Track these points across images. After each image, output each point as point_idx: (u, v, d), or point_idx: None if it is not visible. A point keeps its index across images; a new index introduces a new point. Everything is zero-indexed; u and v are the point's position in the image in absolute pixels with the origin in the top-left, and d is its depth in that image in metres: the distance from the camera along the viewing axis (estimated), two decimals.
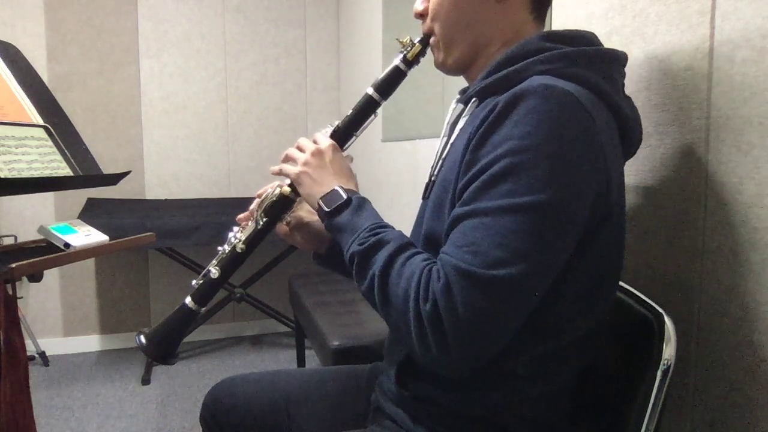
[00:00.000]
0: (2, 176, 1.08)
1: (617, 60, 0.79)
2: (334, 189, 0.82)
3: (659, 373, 0.74)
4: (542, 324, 0.71)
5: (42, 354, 2.87)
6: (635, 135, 0.81)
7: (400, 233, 0.75)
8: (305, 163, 0.87)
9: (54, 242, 1.20)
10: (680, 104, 0.91)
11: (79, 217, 2.40)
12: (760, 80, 0.77)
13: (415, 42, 0.89)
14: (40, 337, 2.94)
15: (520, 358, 0.72)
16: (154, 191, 3.15)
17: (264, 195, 0.97)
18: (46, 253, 1.17)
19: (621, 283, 0.90)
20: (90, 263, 3.05)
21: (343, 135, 0.93)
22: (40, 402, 2.41)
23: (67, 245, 1.20)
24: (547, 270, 0.65)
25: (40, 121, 1.30)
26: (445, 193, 0.74)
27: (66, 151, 1.30)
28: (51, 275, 3.00)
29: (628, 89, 1.03)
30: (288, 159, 0.91)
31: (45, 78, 2.24)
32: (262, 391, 1.02)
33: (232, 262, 0.97)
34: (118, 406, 2.40)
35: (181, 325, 0.99)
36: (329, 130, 0.94)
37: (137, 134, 3.11)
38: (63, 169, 1.26)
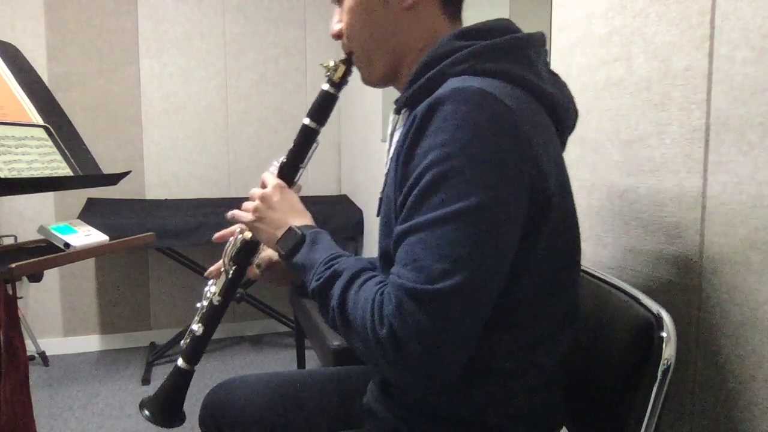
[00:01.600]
0: (2, 176, 1.08)
1: (533, 42, 0.77)
2: (288, 230, 0.84)
3: (659, 373, 0.74)
4: (509, 319, 0.71)
5: (42, 354, 2.87)
6: (567, 113, 0.80)
7: (355, 260, 0.76)
8: (255, 211, 0.89)
9: (54, 242, 1.20)
10: (680, 104, 0.91)
11: (79, 217, 2.40)
12: (760, 80, 0.77)
13: (339, 63, 0.90)
14: (40, 337, 2.94)
15: (494, 356, 0.72)
16: (154, 191, 3.15)
17: (227, 243, 0.99)
18: (46, 253, 1.17)
19: (621, 283, 0.90)
20: (90, 263, 3.05)
21: (289, 170, 0.95)
22: (40, 402, 2.41)
23: (67, 245, 1.20)
24: (493, 271, 0.65)
25: (40, 121, 1.30)
26: (390, 211, 0.74)
27: (66, 151, 1.30)
28: (51, 275, 3.00)
29: (629, 89, 1.03)
30: (243, 209, 0.93)
31: (45, 78, 2.23)
32: (260, 393, 1.02)
33: (213, 316, 0.99)
34: (118, 406, 2.40)
35: (180, 387, 1.00)
36: (276, 166, 0.96)
37: (137, 134, 3.11)
38: (63, 169, 1.26)
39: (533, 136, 0.68)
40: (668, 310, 0.78)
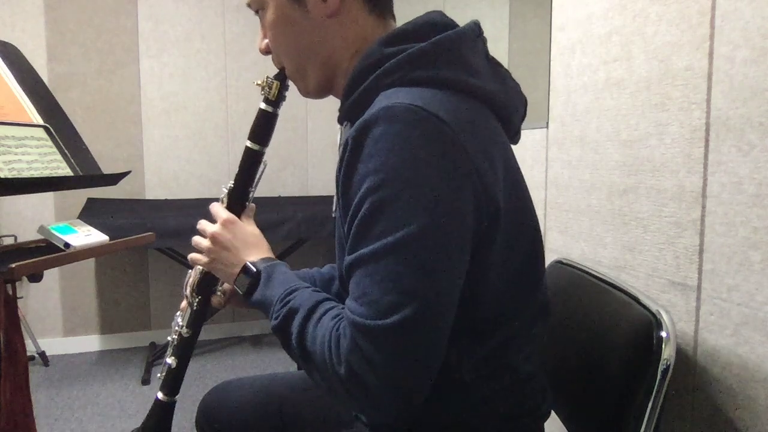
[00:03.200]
0: (2, 176, 1.08)
1: (464, 37, 0.72)
2: (243, 267, 0.82)
3: (659, 373, 0.74)
4: (473, 329, 0.70)
5: (42, 354, 2.87)
6: (510, 105, 0.77)
7: (310, 293, 0.74)
8: (208, 251, 0.87)
9: (54, 242, 1.20)
10: (680, 104, 0.91)
11: (79, 217, 2.40)
12: (760, 80, 0.77)
13: (272, 80, 0.87)
14: (40, 337, 2.94)
15: (462, 366, 0.71)
16: (154, 191, 3.15)
17: (187, 274, 0.97)
18: (46, 253, 1.17)
19: (621, 283, 0.90)
20: (90, 263, 3.05)
21: (238, 195, 0.92)
22: (40, 402, 2.41)
23: (67, 245, 1.20)
24: (443, 297, 0.63)
25: (40, 121, 1.30)
26: (341, 233, 0.73)
27: (66, 151, 1.30)
28: (51, 275, 3.00)
29: (629, 89, 1.03)
30: (195, 247, 0.90)
31: (45, 78, 2.24)
32: (256, 395, 1.02)
33: (184, 348, 0.97)
34: (118, 406, 2.40)
35: (163, 420, 0.99)
36: (225, 194, 0.93)
37: (137, 134, 3.11)
38: (63, 169, 1.26)
39: (471, 147, 0.64)
40: (668, 310, 0.78)
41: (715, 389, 0.86)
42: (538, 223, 0.77)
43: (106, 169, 1.41)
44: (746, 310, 0.80)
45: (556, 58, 1.27)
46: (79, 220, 1.34)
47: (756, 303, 0.79)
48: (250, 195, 0.93)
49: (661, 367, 0.74)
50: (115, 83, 3.04)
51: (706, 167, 0.86)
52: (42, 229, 1.21)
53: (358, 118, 0.67)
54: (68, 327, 3.06)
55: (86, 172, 1.31)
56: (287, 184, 3.37)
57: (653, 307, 0.79)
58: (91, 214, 2.65)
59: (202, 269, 0.94)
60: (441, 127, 0.62)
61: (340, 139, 0.84)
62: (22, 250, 1.24)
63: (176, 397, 0.99)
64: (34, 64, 1.43)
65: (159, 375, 0.99)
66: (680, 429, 0.92)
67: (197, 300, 0.95)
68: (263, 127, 0.91)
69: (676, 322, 0.77)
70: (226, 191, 0.93)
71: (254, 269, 0.80)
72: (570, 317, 0.97)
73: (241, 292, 0.81)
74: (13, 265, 1.02)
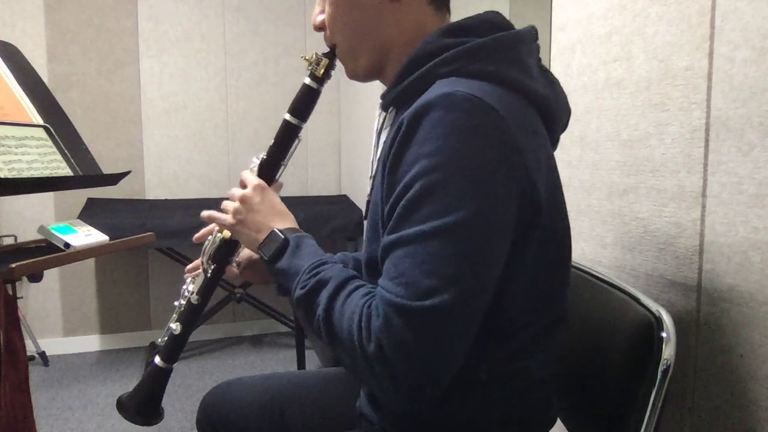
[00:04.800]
0: (2, 176, 1.08)
1: (523, 39, 0.74)
2: (270, 233, 0.81)
3: (659, 373, 0.74)
4: (497, 327, 0.70)
5: (42, 354, 2.87)
6: (558, 112, 0.78)
7: (340, 268, 0.73)
8: (236, 212, 0.86)
9: (54, 242, 1.20)
10: (680, 104, 0.91)
11: (79, 217, 2.40)
12: (760, 80, 0.77)
13: (321, 57, 0.86)
14: (40, 337, 2.94)
15: (480, 364, 0.71)
16: (154, 191, 3.15)
17: (206, 241, 0.96)
18: (46, 253, 1.17)
19: (621, 283, 0.90)
20: (90, 263, 3.05)
21: (270, 167, 0.91)
22: (40, 402, 2.41)
23: (67, 245, 1.20)
24: (481, 287, 0.63)
25: (40, 121, 1.30)
26: (377, 215, 0.72)
27: (66, 151, 1.30)
28: (51, 275, 3.00)
29: (629, 89, 1.03)
30: (222, 210, 0.89)
31: (45, 78, 2.24)
32: (257, 395, 1.02)
33: (191, 315, 0.97)
34: None
35: (157, 385, 0.98)
36: (257, 164, 0.92)
37: (137, 134, 3.11)
38: (63, 169, 1.26)
39: (524, 144, 0.65)
40: (668, 310, 0.78)
41: (715, 389, 0.86)
42: (570, 232, 0.77)
43: (106, 169, 1.41)
44: (746, 310, 0.80)
45: (556, 58, 1.27)
46: (79, 220, 1.34)
47: (756, 303, 0.79)
48: (281, 169, 0.92)
49: (661, 367, 0.74)
50: (115, 83, 3.04)
51: (706, 167, 0.86)
52: (42, 229, 1.21)
53: (407, 104, 0.67)
54: (68, 327, 3.06)
55: (86, 172, 1.31)
56: (287, 184, 3.35)
57: (653, 307, 0.79)
58: (91, 214, 2.65)
59: (222, 238, 0.93)
60: (498, 121, 0.63)
61: (378, 125, 0.84)
62: (22, 250, 1.24)
63: (173, 365, 0.98)
64: (34, 64, 1.43)
65: (159, 340, 0.98)
66: (680, 429, 0.92)
67: (212, 268, 0.94)
68: (305, 103, 0.89)
69: (676, 322, 0.77)
70: (258, 162, 0.92)
71: (282, 236, 0.79)
72: (570, 317, 0.97)
73: (265, 257, 0.80)
74: (13, 265, 1.03)
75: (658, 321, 0.77)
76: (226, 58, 3.21)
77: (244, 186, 0.89)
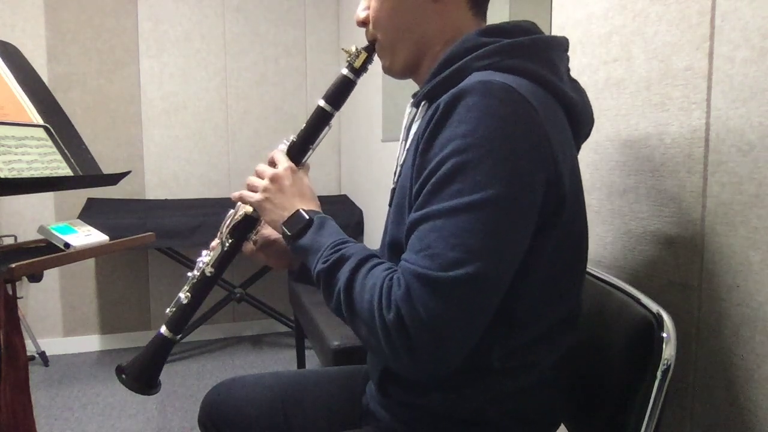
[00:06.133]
0: (2, 176, 1.08)
1: (557, 45, 0.78)
2: (295, 212, 0.83)
3: (659, 373, 0.74)
4: (512, 316, 0.71)
5: (42, 354, 2.87)
6: (584, 117, 0.81)
7: (362, 246, 0.76)
8: (265, 190, 0.88)
9: (54, 242, 1.20)
10: (680, 104, 0.91)
11: (79, 217, 2.40)
12: (760, 80, 0.77)
13: (361, 50, 0.89)
14: (40, 337, 2.94)
15: (493, 353, 0.72)
16: (154, 191, 3.15)
17: (227, 214, 0.97)
18: (46, 253, 1.17)
19: (621, 283, 0.90)
20: (90, 263, 3.05)
21: (299, 149, 0.94)
22: (40, 402, 2.41)
23: (67, 245, 1.20)
24: (504, 264, 0.65)
25: (40, 121, 1.30)
26: (404, 199, 0.74)
27: (66, 151, 1.30)
28: (51, 275, 3.00)
29: (629, 89, 1.03)
30: (249, 186, 0.91)
31: (45, 78, 2.24)
32: (259, 393, 1.02)
33: (202, 287, 0.97)
34: (118, 406, 2.40)
35: (159, 354, 0.98)
36: (285, 145, 0.94)
37: (137, 134, 3.11)
38: (63, 169, 1.26)
39: (553, 137, 0.68)
40: (668, 310, 0.78)
41: (715, 389, 0.86)
42: (587, 235, 0.79)
43: (106, 169, 1.41)
44: (746, 310, 0.80)
45: None
46: (79, 220, 1.34)
47: (756, 303, 0.79)
48: (309, 153, 0.95)
49: (661, 367, 0.74)
50: (115, 83, 3.04)
51: (706, 167, 0.86)
52: (42, 229, 1.21)
53: (440, 97, 0.69)
54: (68, 327, 3.06)
55: (86, 172, 1.31)
56: None
57: (653, 307, 0.79)
58: (91, 214, 2.65)
59: (243, 213, 0.95)
60: (530, 111, 0.66)
61: (408, 120, 0.86)
62: (22, 250, 1.24)
63: (178, 337, 0.98)
64: (34, 64, 1.43)
65: (168, 310, 0.98)
66: (680, 429, 0.92)
67: (230, 242, 0.96)
68: (341, 92, 0.92)
69: (676, 322, 0.77)
70: (287, 144, 0.94)
71: (306, 216, 0.82)
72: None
73: (289, 233, 0.82)
74: (13, 265, 1.02)
75: (658, 321, 0.77)
76: (226, 58, 3.21)
77: (273, 164, 0.91)
